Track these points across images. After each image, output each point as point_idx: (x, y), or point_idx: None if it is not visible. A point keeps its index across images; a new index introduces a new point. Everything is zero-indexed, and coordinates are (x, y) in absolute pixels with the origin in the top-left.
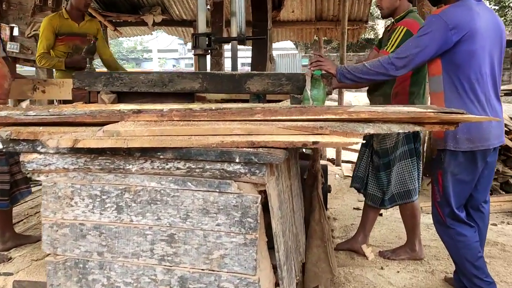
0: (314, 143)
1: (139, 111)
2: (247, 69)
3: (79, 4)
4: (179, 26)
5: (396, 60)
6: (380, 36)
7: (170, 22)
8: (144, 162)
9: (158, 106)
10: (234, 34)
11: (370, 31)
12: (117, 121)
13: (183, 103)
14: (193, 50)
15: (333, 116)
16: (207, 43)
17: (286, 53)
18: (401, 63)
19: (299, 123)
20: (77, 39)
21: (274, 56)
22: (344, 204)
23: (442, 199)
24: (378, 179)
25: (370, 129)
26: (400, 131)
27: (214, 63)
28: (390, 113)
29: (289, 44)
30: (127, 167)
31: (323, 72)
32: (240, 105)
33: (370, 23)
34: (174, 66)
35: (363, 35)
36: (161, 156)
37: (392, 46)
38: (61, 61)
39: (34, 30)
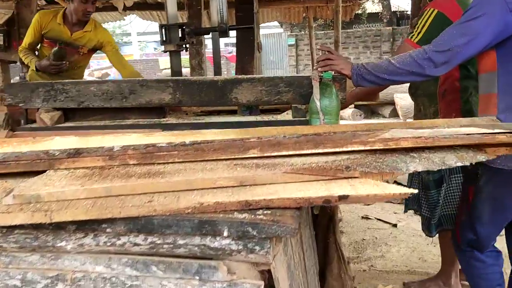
0: (342, 198)
1: (77, 152)
2: (232, 49)
3: (77, 13)
4: (154, 9)
5: (435, 55)
6: (367, 11)
7: (143, 6)
8: (83, 237)
9: (108, 139)
10: (214, 21)
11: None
12: (44, 170)
13: (151, 119)
14: (163, 46)
15: (362, 147)
16: (180, 35)
17: (270, 32)
18: (442, 58)
19: (314, 159)
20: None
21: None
22: (350, 211)
23: (467, 222)
24: (429, 199)
25: (417, 165)
26: (459, 163)
27: (194, 53)
28: (442, 139)
29: (273, 22)
30: (59, 244)
31: (335, 73)
32: (224, 132)
33: None
34: (155, 49)
35: (357, 11)
36: (107, 230)
37: (418, 35)
38: (32, 62)
39: None
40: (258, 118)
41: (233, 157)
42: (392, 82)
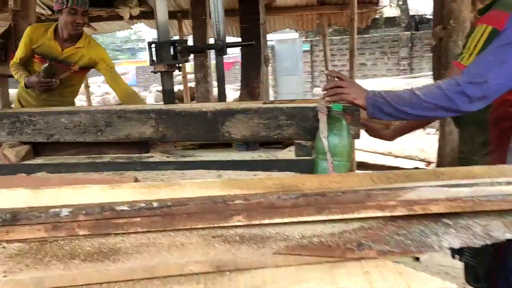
0: None
1: (14, 218)
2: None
3: (66, 26)
4: None
5: (470, 88)
6: (385, 15)
7: (149, 15)
8: None
9: (64, 192)
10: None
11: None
12: None
13: (132, 155)
14: (153, 67)
15: (379, 213)
16: (172, 54)
17: (284, 38)
18: (478, 92)
19: (317, 229)
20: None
21: (272, 43)
22: None
23: (499, 272)
24: None
25: (453, 238)
26: (508, 235)
27: (199, 66)
28: (485, 202)
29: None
30: None
31: (346, 104)
32: (207, 184)
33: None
34: None
35: (373, 17)
36: None
37: (470, 57)
38: (22, 77)
39: None
40: (255, 155)
41: (211, 225)
42: (417, 117)
